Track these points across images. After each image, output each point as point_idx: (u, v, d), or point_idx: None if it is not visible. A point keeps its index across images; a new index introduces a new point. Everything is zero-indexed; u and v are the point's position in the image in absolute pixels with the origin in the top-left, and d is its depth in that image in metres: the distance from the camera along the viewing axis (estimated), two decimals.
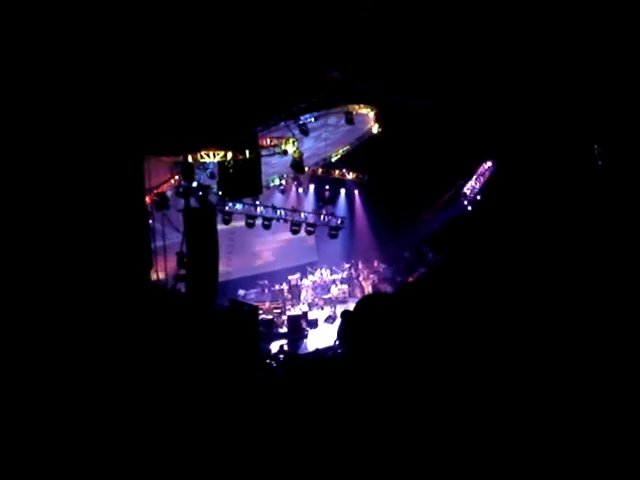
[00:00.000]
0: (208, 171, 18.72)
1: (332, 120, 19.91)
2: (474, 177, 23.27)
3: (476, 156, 22.92)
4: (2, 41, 10.90)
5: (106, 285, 13.00)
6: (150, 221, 17.69)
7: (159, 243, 17.63)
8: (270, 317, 20.64)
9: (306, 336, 19.96)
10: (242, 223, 20.97)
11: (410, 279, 24.51)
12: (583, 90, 17.94)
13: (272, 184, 22.67)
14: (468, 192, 23.35)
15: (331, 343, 18.91)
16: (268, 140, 18.55)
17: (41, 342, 11.09)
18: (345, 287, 23.78)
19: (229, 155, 17.31)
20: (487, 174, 23.27)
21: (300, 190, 24.57)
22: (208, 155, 17.44)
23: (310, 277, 24.03)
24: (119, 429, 8.46)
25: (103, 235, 13.17)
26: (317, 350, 18.41)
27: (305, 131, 18.79)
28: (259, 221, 21.06)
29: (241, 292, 22.52)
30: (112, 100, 12.99)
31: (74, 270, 12.49)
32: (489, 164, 23.05)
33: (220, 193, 18.37)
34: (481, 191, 23.35)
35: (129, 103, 13.51)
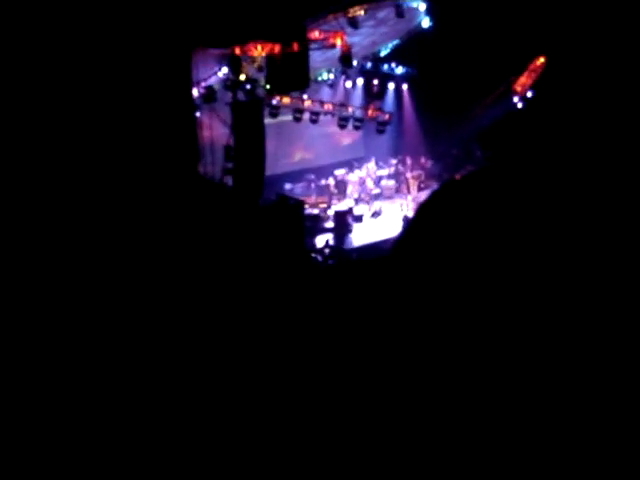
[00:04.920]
0: (256, 64, 18.58)
1: (382, 13, 19.55)
2: (526, 73, 22.82)
3: (529, 52, 22.44)
4: None
5: (154, 177, 13.17)
6: (197, 114, 17.74)
7: (207, 136, 17.73)
8: (316, 212, 20.76)
9: (351, 231, 20.09)
10: (289, 117, 20.90)
11: (457, 176, 24.34)
12: None
13: (320, 78, 22.41)
14: (519, 89, 22.95)
15: (376, 239, 19.10)
16: (317, 33, 18.31)
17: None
18: (392, 183, 23.76)
19: (277, 48, 17.14)
20: (539, 70, 22.80)
21: (348, 84, 24.27)
22: (256, 48, 17.30)
23: (357, 172, 23.99)
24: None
25: (150, 127, 13.26)
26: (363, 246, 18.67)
27: (355, 24, 18.49)
28: (306, 115, 20.98)
29: (287, 186, 22.58)
30: None
31: (121, 161, 12.65)
32: (542, 60, 22.54)
33: (268, 87, 18.25)
34: (533, 88, 22.93)
35: None
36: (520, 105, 22.96)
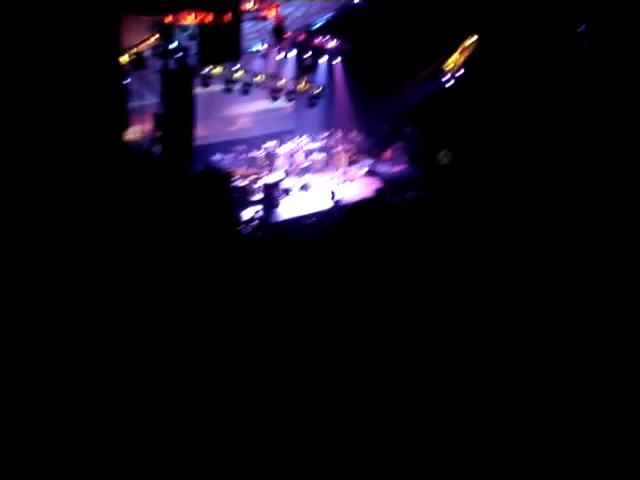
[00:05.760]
0: (188, 33, 18.37)
1: None
2: (457, 51, 22.99)
3: (461, 30, 22.60)
4: None
5: (80, 144, 12.97)
6: (127, 81, 17.50)
7: (136, 103, 17.57)
8: (245, 184, 20.68)
9: (279, 204, 20.09)
10: (220, 88, 20.76)
11: (387, 152, 24.59)
12: None
13: (252, 49, 22.27)
14: (451, 67, 23.12)
15: (304, 212, 19.20)
16: (250, 4, 18.18)
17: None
18: (322, 156, 23.78)
19: (209, 18, 16.98)
20: (471, 49, 22.97)
21: (280, 56, 24.16)
22: (189, 16, 17.12)
23: (288, 145, 23.96)
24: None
25: (77, 93, 13.05)
26: (290, 219, 18.76)
27: None
28: (238, 86, 20.87)
29: (217, 157, 22.45)
30: None
31: (45, 128, 12.44)
32: (474, 39, 22.71)
33: (199, 56, 18.09)
34: (464, 66, 23.11)
35: None
36: (451, 83, 23.14)
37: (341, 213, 18.12)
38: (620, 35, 18.38)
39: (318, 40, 23.72)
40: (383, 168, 23.55)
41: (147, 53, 18.55)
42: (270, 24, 18.83)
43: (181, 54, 17.77)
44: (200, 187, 17.10)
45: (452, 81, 23.20)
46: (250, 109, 23.87)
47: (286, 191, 20.86)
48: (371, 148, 24.98)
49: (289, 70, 23.97)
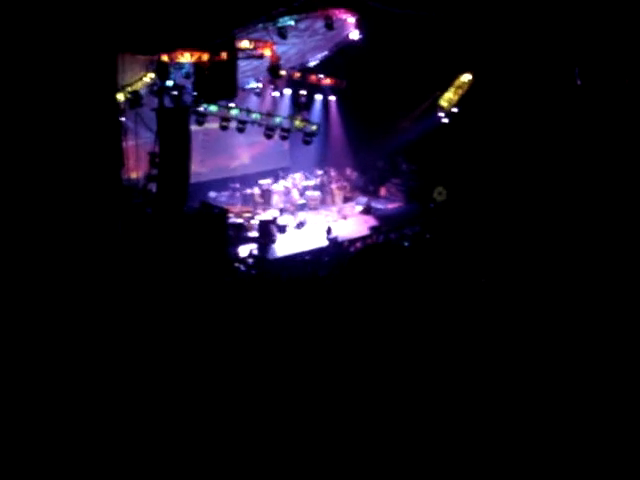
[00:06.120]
0: (183, 71, 18.46)
1: (311, 25, 19.59)
2: (452, 89, 23.07)
3: (455, 68, 22.72)
4: None
5: (76, 182, 12.95)
6: (122, 119, 17.54)
7: (131, 142, 17.58)
8: (240, 221, 20.64)
9: (275, 241, 20.05)
10: (216, 125, 20.81)
11: (382, 189, 24.66)
12: (565, 6, 17.82)
13: (247, 87, 22.39)
14: (445, 104, 23.18)
15: (300, 249, 19.13)
16: (246, 43, 18.26)
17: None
18: (317, 194, 23.77)
19: (205, 56, 17.07)
20: (466, 87, 23.06)
21: (276, 94, 24.32)
22: (184, 55, 17.19)
23: (282, 182, 24.00)
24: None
25: (73, 132, 13.04)
26: (286, 257, 18.68)
27: (283, 35, 18.51)
28: (233, 124, 20.92)
29: (212, 194, 22.48)
30: None
31: (42, 165, 12.42)
32: (468, 77, 22.81)
33: (195, 94, 18.16)
34: (458, 104, 23.18)
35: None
36: (446, 120, 23.21)
37: (338, 253, 18.17)
38: (614, 73, 18.52)
39: (313, 78, 23.86)
40: (378, 205, 23.60)
41: (143, 91, 18.61)
42: (265, 62, 18.91)
43: (177, 92, 17.81)
44: (196, 225, 17.08)
45: (447, 119, 23.25)
46: (245, 147, 23.95)
47: (282, 228, 20.82)
48: (366, 185, 25.06)
49: (284, 108, 24.10)
